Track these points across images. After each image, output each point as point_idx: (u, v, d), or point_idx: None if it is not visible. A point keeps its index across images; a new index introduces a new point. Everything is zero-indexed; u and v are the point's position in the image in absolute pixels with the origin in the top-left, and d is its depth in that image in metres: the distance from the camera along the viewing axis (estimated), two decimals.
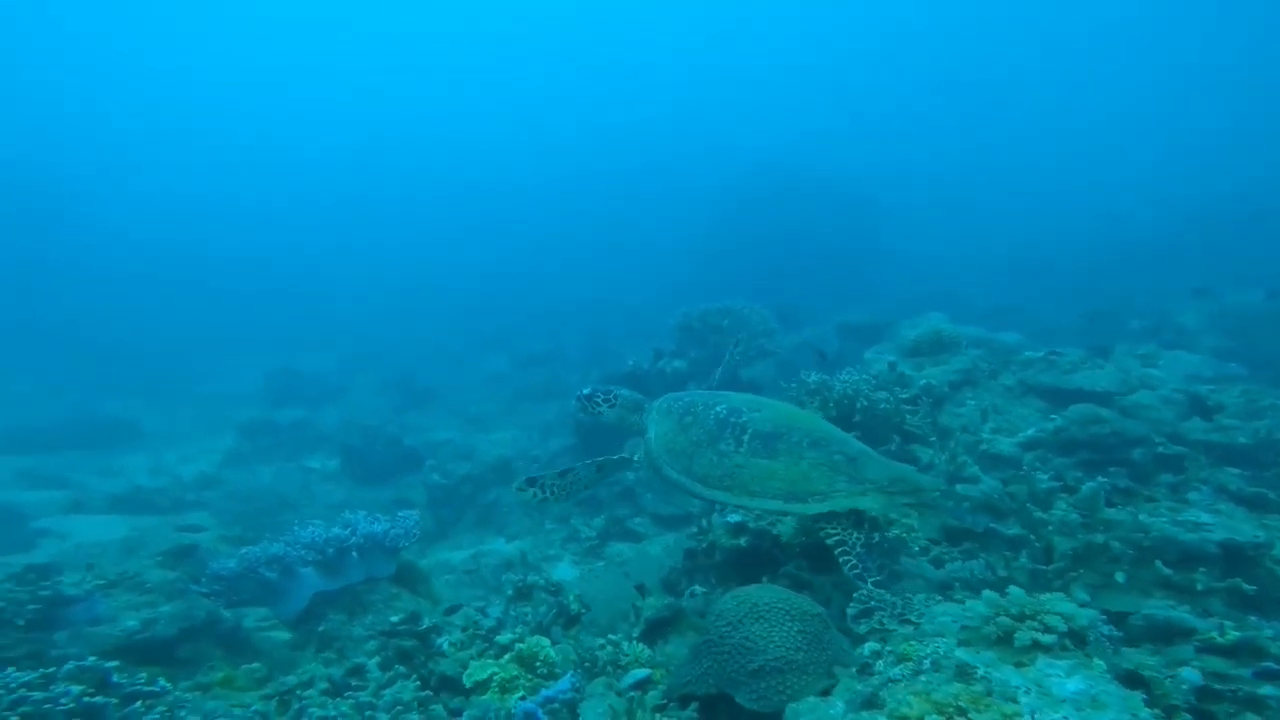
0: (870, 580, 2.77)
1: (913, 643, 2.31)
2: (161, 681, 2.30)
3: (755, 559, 3.71)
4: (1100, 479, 3.48)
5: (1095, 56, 45.55)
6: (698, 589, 3.53)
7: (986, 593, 2.33)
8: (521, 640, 2.63)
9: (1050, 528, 3.07)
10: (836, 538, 2.86)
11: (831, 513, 2.86)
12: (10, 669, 2.19)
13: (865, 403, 4.99)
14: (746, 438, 3.03)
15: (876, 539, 2.89)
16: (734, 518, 3.90)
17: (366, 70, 56.91)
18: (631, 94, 53.02)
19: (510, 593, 3.07)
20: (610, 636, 2.80)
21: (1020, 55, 45.51)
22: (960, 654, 2.15)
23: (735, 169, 24.63)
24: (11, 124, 42.70)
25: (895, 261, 21.84)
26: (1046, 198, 31.73)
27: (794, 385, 5.67)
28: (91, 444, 11.97)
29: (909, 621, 2.55)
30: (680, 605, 3.24)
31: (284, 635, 3.52)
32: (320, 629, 3.14)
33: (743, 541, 3.82)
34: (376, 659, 2.70)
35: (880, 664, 2.32)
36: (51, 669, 2.16)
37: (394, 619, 2.83)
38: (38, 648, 3.16)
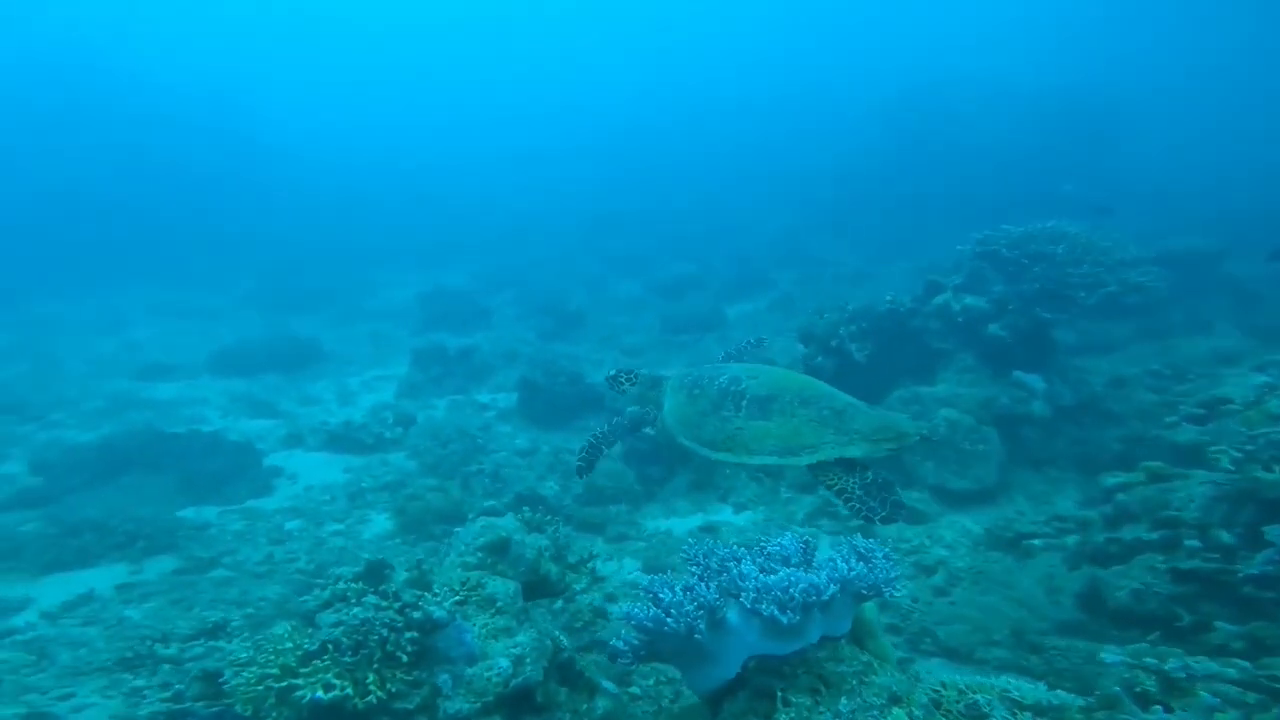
0: (877, 517, 3.01)
1: None
2: None
3: None
4: None
5: None
6: None
7: None
8: None
9: None
10: (837, 487, 3.12)
11: (822, 463, 3.13)
12: None
13: None
14: (744, 403, 3.34)
15: (870, 478, 3.09)
16: None
17: None
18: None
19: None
20: None
21: None
22: None
23: (897, 83, 21.38)
24: (187, 53, 44.78)
25: (1123, 179, 18.31)
26: None
27: None
28: (285, 366, 12.60)
29: None
30: None
31: (691, 700, 3.05)
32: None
33: None
34: None
35: None
36: None
37: None
38: (428, 698, 2.83)
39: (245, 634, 3.93)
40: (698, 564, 2.91)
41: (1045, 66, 24.92)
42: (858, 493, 3.07)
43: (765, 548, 2.94)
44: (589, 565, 4.25)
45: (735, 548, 2.92)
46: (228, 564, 6.08)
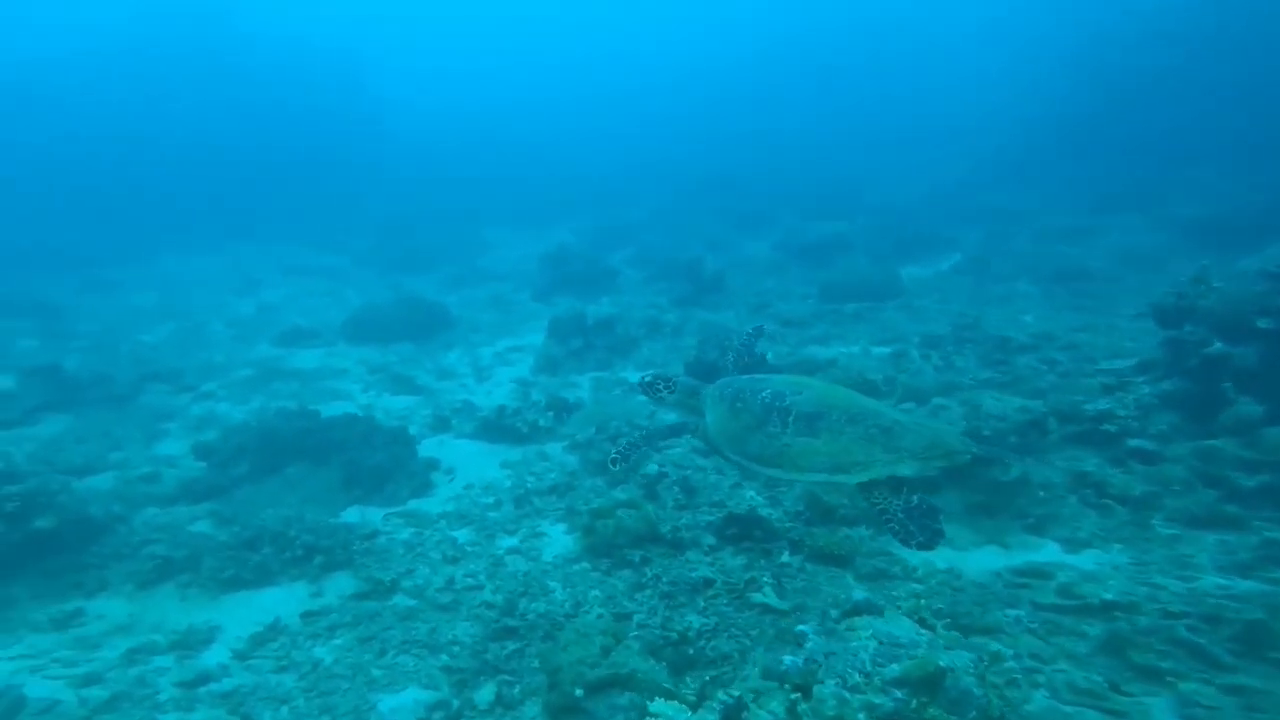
0: (914, 542, 3.05)
1: None
2: None
3: None
4: None
5: None
6: None
7: None
8: None
9: None
10: (880, 506, 3.16)
11: (873, 481, 3.18)
12: None
13: None
14: (791, 419, 3.41)
15: (915, 501, 3.09)
16: None
17: None
18: None
19: None
20: None
21: None
22: None
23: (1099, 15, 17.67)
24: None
25: None
26: None
27: None
28: (415, 333, 11.99)
29: None
30: None
31: None
32: None
33: None
34: None
35: None
36: None
37: None
38: None
39: None
40: None
41: None
42: (899, 515, 3.07)
43: None
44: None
45: None
46: (408, 589, 5.27)
